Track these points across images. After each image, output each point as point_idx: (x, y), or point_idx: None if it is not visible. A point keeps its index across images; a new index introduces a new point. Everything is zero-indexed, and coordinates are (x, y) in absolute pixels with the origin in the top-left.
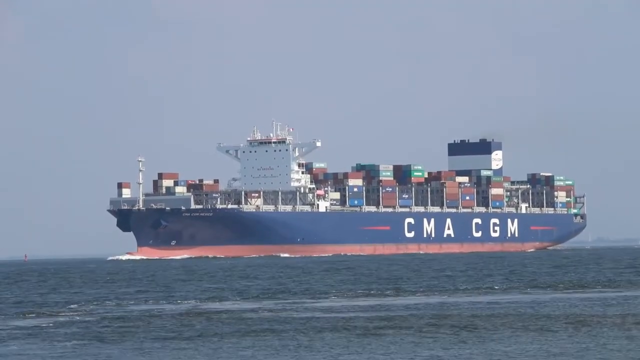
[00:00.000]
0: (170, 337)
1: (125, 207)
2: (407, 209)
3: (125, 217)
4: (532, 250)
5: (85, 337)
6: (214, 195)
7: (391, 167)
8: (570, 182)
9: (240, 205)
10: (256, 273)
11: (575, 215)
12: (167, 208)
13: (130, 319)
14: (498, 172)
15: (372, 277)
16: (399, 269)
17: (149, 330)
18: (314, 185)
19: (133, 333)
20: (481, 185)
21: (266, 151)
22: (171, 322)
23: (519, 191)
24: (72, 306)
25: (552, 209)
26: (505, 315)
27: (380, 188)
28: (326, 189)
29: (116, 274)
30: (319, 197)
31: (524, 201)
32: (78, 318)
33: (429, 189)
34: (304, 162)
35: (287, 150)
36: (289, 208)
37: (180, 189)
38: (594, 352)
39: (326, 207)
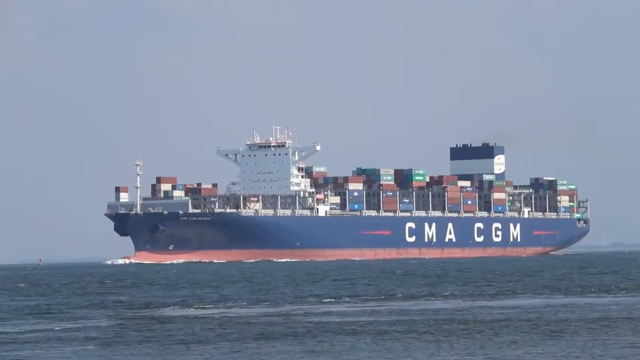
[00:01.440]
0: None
1: (123, 211)
2: (408, 214)
3: (123, 222)
4: (534, 254)
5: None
6: (212, 199)
7: (392, 171)
8: (573, 187)
9: (239, 210)
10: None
11: (579, 219)
12: (164, 212)
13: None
14: (500, 176)
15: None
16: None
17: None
18: (313, 190)
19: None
20: (483, 190)
21: (265, 155)
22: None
23: (522, 195)
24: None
25: (555, 213)
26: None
27: (381, 192)
28: (326, 193)
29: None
30: (318, 201)
31: (526, 206)
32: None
33: (430, 194)
34: (303, 166)
35: (286, 154)
36: (288, 212)
37: (178, 193)
38: None
39: (326, 211)
